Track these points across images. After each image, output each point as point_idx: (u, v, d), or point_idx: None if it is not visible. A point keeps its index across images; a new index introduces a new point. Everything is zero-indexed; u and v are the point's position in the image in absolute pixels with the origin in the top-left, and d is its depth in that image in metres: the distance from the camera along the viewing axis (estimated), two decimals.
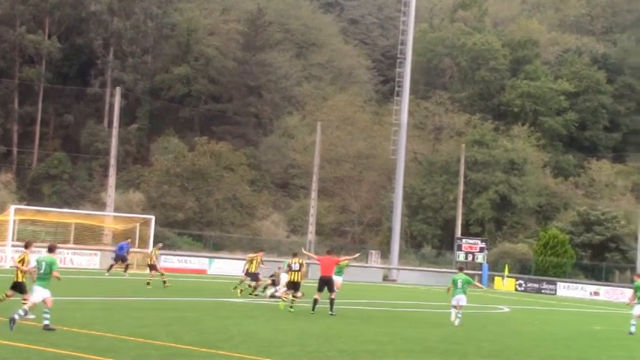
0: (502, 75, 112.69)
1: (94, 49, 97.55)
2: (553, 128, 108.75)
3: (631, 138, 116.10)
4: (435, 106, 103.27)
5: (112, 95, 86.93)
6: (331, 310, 31.26)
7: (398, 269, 75.66)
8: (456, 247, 78.64)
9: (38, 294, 21.90)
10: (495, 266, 77.90)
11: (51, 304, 21.68)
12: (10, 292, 23.97)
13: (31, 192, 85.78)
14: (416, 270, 76.49)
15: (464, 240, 79.26)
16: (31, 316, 22.43)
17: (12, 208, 56.05)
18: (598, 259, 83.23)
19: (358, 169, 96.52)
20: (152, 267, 42.89)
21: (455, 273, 35.18)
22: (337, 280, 34.89)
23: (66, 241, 58.37)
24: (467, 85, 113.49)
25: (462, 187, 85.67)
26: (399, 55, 79.09)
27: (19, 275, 23.63)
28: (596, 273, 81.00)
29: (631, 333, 33.46)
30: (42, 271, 22.01)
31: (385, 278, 73.78)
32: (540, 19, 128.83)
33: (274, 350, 20.34)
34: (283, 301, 33.25)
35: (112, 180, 71.99)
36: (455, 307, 31.81)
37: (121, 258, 51.08)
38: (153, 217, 60.98)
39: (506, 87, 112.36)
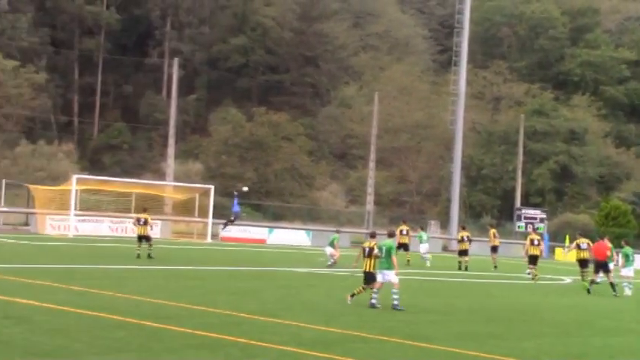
0: (561, 44, 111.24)
1: (152, 19, 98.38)
2: (614, 97, 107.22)
3: None
4: (494, 76, 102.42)
5: (170, 66, 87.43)
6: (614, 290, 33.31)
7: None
8: (515, 217, 78.10)
9: (383, 276, 23.75)
10: (556, 237, 77.15)
11: (397, 286, 23.71)
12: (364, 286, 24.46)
13: (92, 162, 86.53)
14: (474, 240, 75.84)
15: (524, 210, 78.65)
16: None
17: (74, 177, 56.62)
18: None
19: (416, 140, 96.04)
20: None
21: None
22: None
23: (127, 211, 58.77)
24: (525, 54, 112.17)
25: (521, 158, 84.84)
26: (456, 25, 78.38)
27: (369, 264, 24.09)
28: None
29: None
30: (383, 256, 23.76)
31: (445, 248, 73.38)
32: None
33: (333, 320, 20.35)
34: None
35: (171, 150, 72.61)
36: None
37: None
38: (212, 187, 61.15)
39: (566, 56, 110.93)
